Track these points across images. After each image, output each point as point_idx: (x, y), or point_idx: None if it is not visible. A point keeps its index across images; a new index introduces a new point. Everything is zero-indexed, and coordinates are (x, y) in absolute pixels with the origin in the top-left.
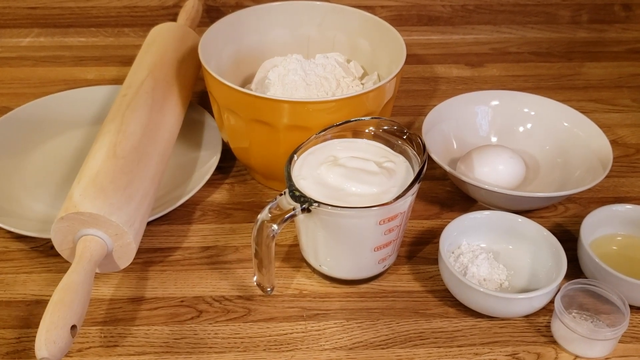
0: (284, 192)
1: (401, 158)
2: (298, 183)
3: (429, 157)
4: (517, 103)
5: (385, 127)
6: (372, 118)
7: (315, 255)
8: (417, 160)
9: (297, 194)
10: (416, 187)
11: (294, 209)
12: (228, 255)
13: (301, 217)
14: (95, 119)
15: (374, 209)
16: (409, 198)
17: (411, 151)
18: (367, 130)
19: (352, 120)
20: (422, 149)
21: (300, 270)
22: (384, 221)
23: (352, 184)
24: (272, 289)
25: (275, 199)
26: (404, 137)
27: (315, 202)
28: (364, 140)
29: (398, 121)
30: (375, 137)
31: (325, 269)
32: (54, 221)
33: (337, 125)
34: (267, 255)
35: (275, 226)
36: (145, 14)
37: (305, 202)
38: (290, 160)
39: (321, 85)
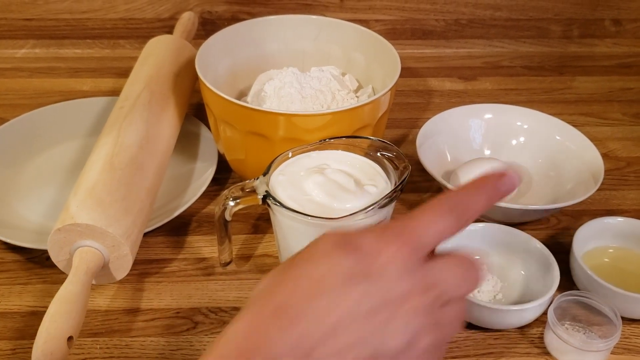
0: (259, 178)
1: (387, 185)
2: (276, 177)
3: (423, 170)
4: (510, 116)
5: (386, 153)
6: (392, 145)
7: (279, 255)
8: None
9: (264, 183)
10: (366, 214)
11: (257, 195)
12: None
13: (272, 215)
14: (91, 131)
15: (312, 219)
16: (360, 223)
17: (394, 181)
18: (369, 149)
19: (365, 138)
20: (399, 186)
21: None
22: None
23: (321, 194)
24: (226, 264)
25: (253, 179)
26: (399, 167)
27: (272, 197)
28: (363, 159)
29: (400, 152)
30: (376, 157)
31: None
32: (51, 232)
33: (345, 137)
34: (219, 227)
35: (231, 202)
36: (141, 26)
37: (264, 194)
38: (282, 155)
39: (316, 98)
